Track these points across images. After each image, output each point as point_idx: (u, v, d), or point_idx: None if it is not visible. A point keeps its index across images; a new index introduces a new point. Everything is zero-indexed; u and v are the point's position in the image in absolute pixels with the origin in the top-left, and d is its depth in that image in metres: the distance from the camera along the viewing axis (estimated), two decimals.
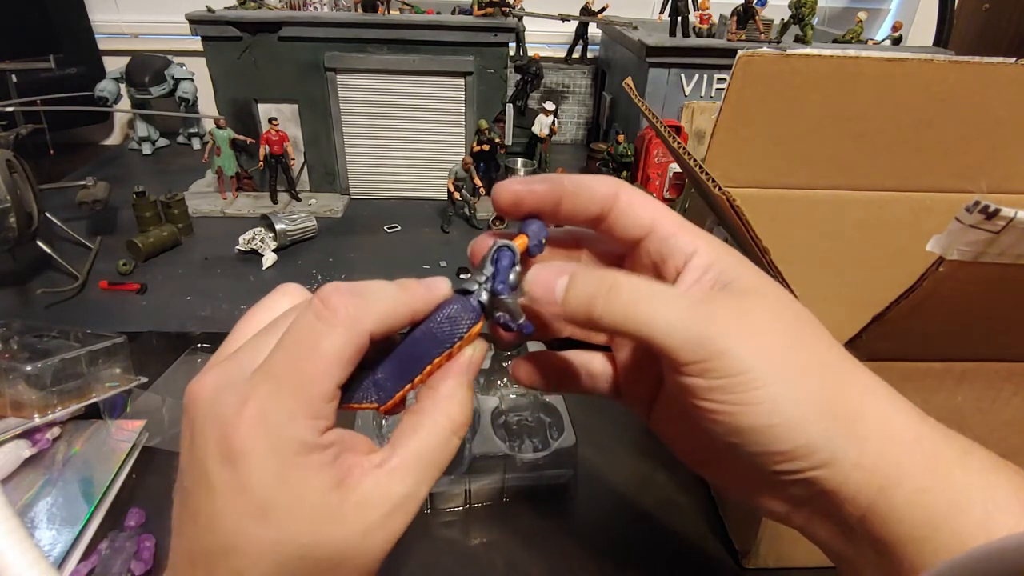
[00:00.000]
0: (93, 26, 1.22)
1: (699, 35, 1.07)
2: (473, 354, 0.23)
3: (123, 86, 1.19)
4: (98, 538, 0.46)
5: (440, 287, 0.23)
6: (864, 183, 0.57)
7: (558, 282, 0.22)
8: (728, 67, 0.52)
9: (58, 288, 0.76)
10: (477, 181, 0.97)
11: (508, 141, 1.07)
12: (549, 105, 1.13)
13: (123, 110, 1.26)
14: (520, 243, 0.24)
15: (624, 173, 1.03)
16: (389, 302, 0.21)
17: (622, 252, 0.26)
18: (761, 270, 0.23)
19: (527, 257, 0.25)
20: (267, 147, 0.98)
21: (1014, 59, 0.52)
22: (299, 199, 1.04)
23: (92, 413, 0.55)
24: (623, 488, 0.54)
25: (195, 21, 0.93)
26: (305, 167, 1.07)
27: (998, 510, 0.19)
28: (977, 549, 0.18)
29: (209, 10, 0.94)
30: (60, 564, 0.44)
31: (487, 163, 1.04)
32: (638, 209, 0.24)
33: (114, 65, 1.21)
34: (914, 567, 0.20)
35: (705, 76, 1.05)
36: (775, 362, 0.20)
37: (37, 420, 0.50)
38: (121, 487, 0.50)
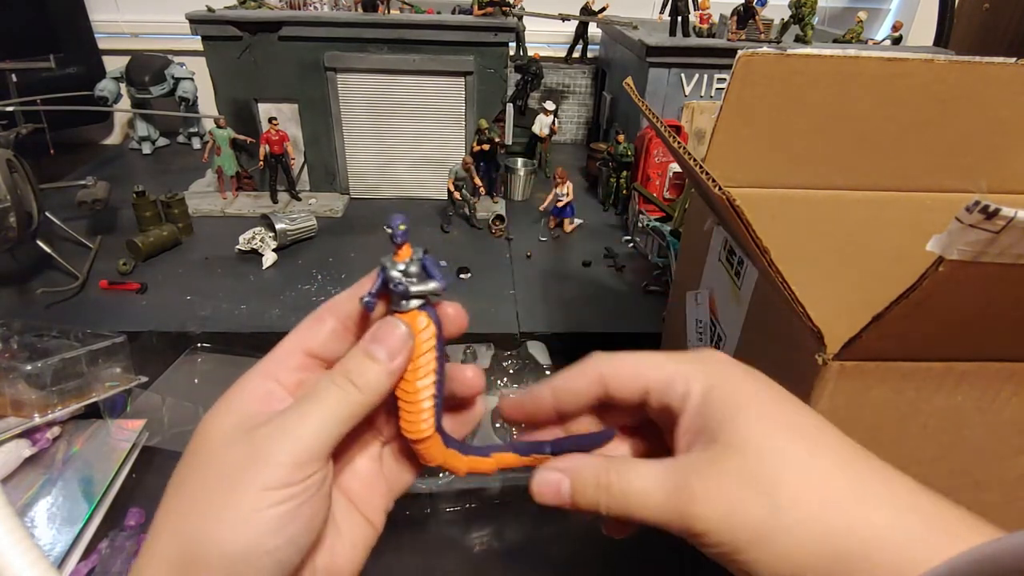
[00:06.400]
0: (93, 26, 1.22)
1: (699, 35, 1.07)
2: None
3: (123, 86, 1.20)
4: (98, 538, 0.46)
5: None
6: (864, 183, 0.57)
7: (561, 487, 0.25)
8: (728, 67, 0.52)
9: (58, 288, 0.76)
10: (477, 181, 0.97)
11: (508, 141, 1.07)
12: (549, 105, 1.13)
13: (123, 110, 1.26)
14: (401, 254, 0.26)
15: (624, 173, 1.03)
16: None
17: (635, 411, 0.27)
18: (759, 389, 0.24)
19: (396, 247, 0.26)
20: (267, 147, 0.98)
21: (1014, 59, 0.52)
22: (299, 199, 1.04)
23: (92, 413, 0.55)
24: None
25: (195, 21, 0.93)
26: (305, 167, 1.07)
27: None
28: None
29: (209, 10, 0.94)
30: (60, 564, 0.44)
31: (487, 163, 1.04)
32: (626, 380, 0.25)
33: (114, 65, 1.21)
34: None
35: (705, 76, 1.05)
36: (751, 531, 0.22)
37: (37, 420, 0.50)
38: (121, 487, 0.51)
